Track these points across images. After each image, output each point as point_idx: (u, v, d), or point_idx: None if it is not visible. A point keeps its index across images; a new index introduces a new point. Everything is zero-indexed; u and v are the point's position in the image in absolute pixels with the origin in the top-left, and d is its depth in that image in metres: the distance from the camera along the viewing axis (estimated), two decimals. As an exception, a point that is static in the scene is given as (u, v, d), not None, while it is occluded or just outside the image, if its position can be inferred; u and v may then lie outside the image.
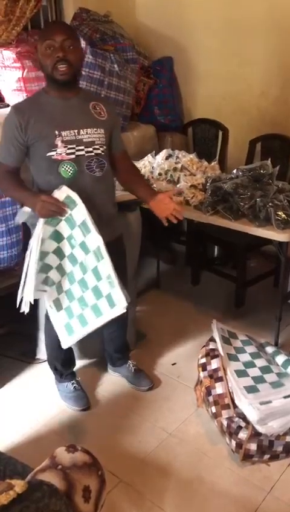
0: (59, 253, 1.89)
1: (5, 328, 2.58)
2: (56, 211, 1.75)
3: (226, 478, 1.88)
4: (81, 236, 1.80)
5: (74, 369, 2.35)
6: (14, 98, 2.77)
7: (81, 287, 1.88)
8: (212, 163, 2.75)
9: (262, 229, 2.24)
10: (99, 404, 2.29)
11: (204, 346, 2.26)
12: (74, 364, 2.33)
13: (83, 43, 2.80)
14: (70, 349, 2.28)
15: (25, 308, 1.87)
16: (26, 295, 1.85)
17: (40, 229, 1.79)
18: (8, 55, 2.65)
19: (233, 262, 3.29)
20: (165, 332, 2.80)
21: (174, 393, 2.33)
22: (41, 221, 1.78)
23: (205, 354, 2.20)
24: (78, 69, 1.88)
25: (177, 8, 3.44)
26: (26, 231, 2.46)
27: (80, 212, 1.76)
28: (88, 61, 2.78)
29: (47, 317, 2.18)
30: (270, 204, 2.23)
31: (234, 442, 1.90)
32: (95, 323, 1.89)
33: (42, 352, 2.51)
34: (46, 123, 1.82)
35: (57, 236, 1.85)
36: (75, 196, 1.76)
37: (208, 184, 2.47)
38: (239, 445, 1.89)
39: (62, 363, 2.27)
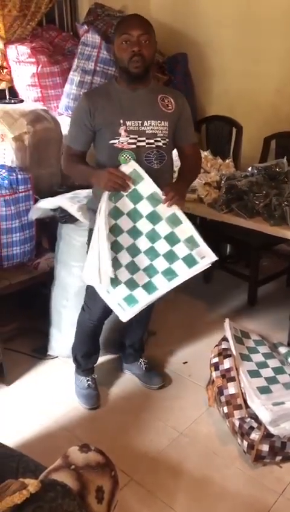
0: (115, 230, 1.88)
1: (17, 324, 2.58)
2: (122, 184, 1.78)
3: (237, 479, 1.87)
4: (150, 208, 1.82)
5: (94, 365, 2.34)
6: (28, 93, 2.77)
7: (148, 256, 1.89)
8: (227, 161, 2.73)
9: (277, 228, 2.21)
10: (110, 401, 2.28)
11: (217, 345, 2.25)
12: (94, 360, 2.32)
13: (97, 39, 2.79)
14: (95, 345, 2.28)
15: (107, 287, 1.89)
16: (104, 272, 1.82)
17: (105, 204, 1.80)
18: (23, 50, 2.65)
19: (246, 260, 3.26)
20: (176, 331, 2.79)
21: (186, 392, 2.32)
22: (105, 196, 1.80)
23: (218, 353, 2.18)
24: (152, 62, 1.89)
25: (191, 3, 3.41)
26: (39, 227, 2.47)
27: (146, 186, 1.79)
28: (103, 57, 2.77)
29: (83, 308, 2.18)
30: (285, 203, 2.20)
31: (245, 443, 1.89)
32: (167, 286, 1.92)
33: (54, 348, 2.52)
34: (113, 111, 1.86)
35: (115, 214, 1.85)
36: (141, 171, 1.79)
37: (222, 182, 2.44)
38: (251, 446, 1.87)
39: (83, 354, 2.27)
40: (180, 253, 1.86)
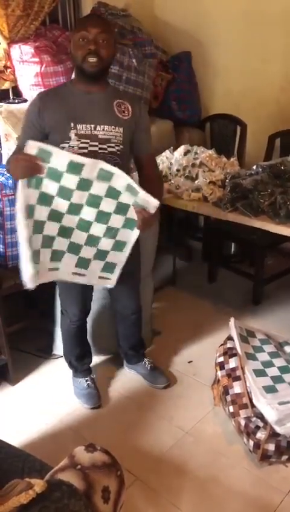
0: (54, 216, 1.77)
1: (22, 323, 2.58)
2: (32, 166, 1.64)
3: (243, 479, 1.86)
4: (75, 178, 1.69)
5: (91, 365, 2.35)
6: (32, 93, 2.77)
7: (102, 222, 1.79)
8: (231, 159, 2.71)
9: (282, 227, 2.20)
10: (115, 401, 2.28)
11: (222, 344, 2.24)
12: (89, 360, 2.33)
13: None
14: (85, 344, 2.29)
15: (30, 285, 1.80)
16: (24, 271, 1.77)
17: (21, 195, 1.66)
18: (27, 50, 2.65)
19: (250, 259, 3.25)
20: (181, 330, 2.78)
21: (191, 392, 2.32)
22: (19, 186, 1.66)
23: (223, 352, 2.17)
24: (108, 64, 1.86)
25: (195, 1, 3.40)
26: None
27: (60, 159, 1.66)
28: (106, 56, 2.76)
29: (62, 312, 2.18)
30: (291, 201, 2.19)
31: (251, 442, 1.88)
32: (133, 234, 1.83)
33: (58, 347, 2.52)
34: (64, 113, 1.82)
35: (45, 200, 1.72)
36: (45, 146, 1.65)
37: (227, 180, 2.43)
38: (257, 445, 1.87)
39: (77, 357, 2.28)
40: (127, 200, 1.75)
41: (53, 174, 1.68)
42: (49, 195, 1.72)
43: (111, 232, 1.83)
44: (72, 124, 1.80)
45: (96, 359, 2.45)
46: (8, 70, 2.71)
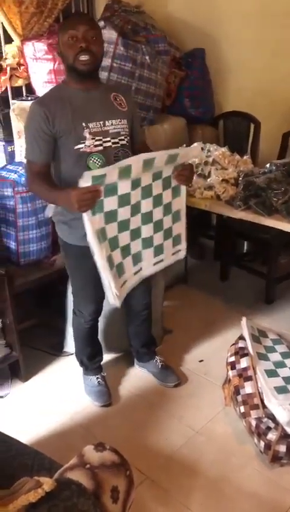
0: (123, 226, 1.83)
1: (33, 320, 2.59)
2: (93, 198, 1.64)
3: (254, 479, 1.85)
4: (127, 182, 1.74)
5: (101, 363, 2.35)
6: (46, 90, 2.76)
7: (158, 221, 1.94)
8: (245, 157, 2.68)
9: (296, 226, 2.17)
10: (126, 399, 2.28)
11: (233, 344, 2.22)
12: (100, 358, 2.33)
13: (114, 34, 2.77)
14: (97, 343, 2.29)
15: (116, 303, 1.84)
16: (113, 292, 1.81)
17: (89, 225, 1.68)
18: (40, 47, 2.64)
19: (263, 258, 3.22)
20: (192, 329, 2.77)
21: (201, 391, 2.30)
22: (85, 218, 1.67)
23: (234, 352, 2.16)
24: (100, 60, 1.85)
25: (209, -3, 3.37)
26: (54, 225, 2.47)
27: (111, 173, 1.66)
28: (119, 53, 2.75)
29: (74, 312, 2.18)
30: (304, 200, 2.16)
31: (262, 443, 1.87)
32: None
33: (70, 345, 2.52)
34: (72, 116, 1.80)
35: (111, 216, 1.76)
36: (98, 171, 1.65)
37: (240, 179, 2.41)
38: (268, 446, 1.85)
39: (88, 356, 2.28)
40: (168, 172, 1.87)
41: (109, 190, 1.70)
42: (113, 211, 1.76)
43: (167, 209, 1.94)
44: (84, 124, 1.80)
45: (106, 357, 2.45)
46: (22, 67, 2.71)
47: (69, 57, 1.77)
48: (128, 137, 1.90)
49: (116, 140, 1.85)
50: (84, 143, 1.80)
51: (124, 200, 1.77)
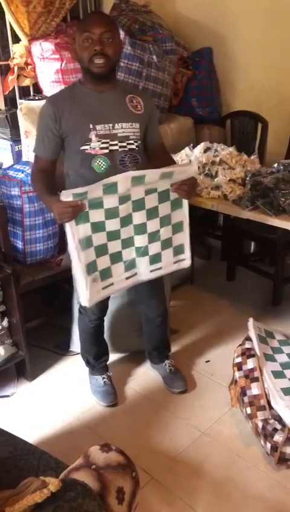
0: (113, 235, 1.83)
1: (40, 320, 2.59)
2: (74, 211, 1.66)
3: (260, 481, 1.84)
4: (114, 197, 1.74)
5: (108, 363, 2.34)
6: (53, 89, 2.77)
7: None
8: (252, 157, 2.67)
9: (303, 226, 2.16)
10: (131, 399, 2.28)
11: (240, 345, 2.21)
12: (106, 358, 2.33)
13: (122, 34, 2.77)
14: (103, 343, 2.28)
15: (86, 303, 1.85)
16: (84, 294, 1.83)
17: (71, 234, 1.72)
18: (47, 46, 2.64)
19: (271, 258, 3.20)
20: (198, 329, 2.76)
21: (208, 392, 2.30)
22: (68, 227, 1.71)
23: (241, 353, 2.14)
24: (116, 62, 1.85)
25: (218, -3, 3.35)
26: (61, 224, 2.47)
27: (93, 190, 1.68)
28: (127, 52, 2.74)
29: (80, 311, 2.18)
30: (312, 200, 2.15)
31: (269, 445, 1.85)
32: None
33: (76, 344, 2.52)
34: (81, 116, 1.80)
35: (98, 227, 1.78)
36: (79, 190, 1.66)
37: (247, 178, 2.40)
38: (274, 448, 1.84)
39: (94, 356, 2.27)
40: (165, 186, 1.85)
41: (94, 204, 1.73)
42: (100, 222, 1.77)
43: (165, 221, 1.92)
44: (91, 126, 1.79)
45: (113, 357, 2.44)
46: (29, 67, 2.72)
47: (84, 59, 1.77)
48: (138, 142, 1.88)
49: (124, 144, 1.84)
50: (89, 145, 1.80)
51: (111, 213, 1.78)
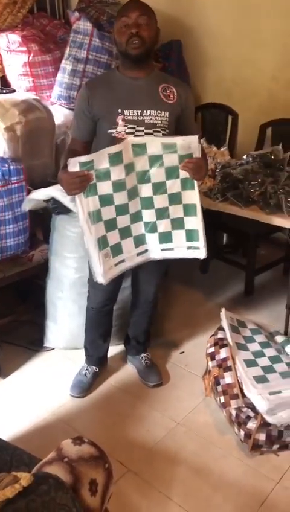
0: (121, 210, 1.85)
1: (12, 316, 2.57)
2: (82, 181, 1.71)
3: (235, 468, 1.87)
4: (120, 168, 1.77)
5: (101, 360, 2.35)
6: (20, 83, 2.74)
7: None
8: (222, 149, 2.69)
9: (273, 216, 2.19)
10: (109, 392, 2.28)
11: (213, 335, 2.24)
12: (100, 350, 2.32)
13: (89, 26, 2.74)
14: (99, 332, 2.27)
15: (101, 280, 1.87)
16: (98, 270, 1.85)
17: (81, 206, 1.76)
18: (14, 38, 2.61)
19: (243, 250, 3.24)
20: (172, 321, 2.78)
21: (182, 382, 2.32)
22: (77, 200, 1.75)
23: (214, 343, 2.17)
24: (152, 47, 1.85)
25: (186, -11, 3.35)
26: (32, 219, 2.45)
27: (99, 159, 1.73)
28: (95, 45, 2.73)
29: (89, 291, 2.18)
30: (281, 191, 2.18)
31: (242, 432, 1.89)
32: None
33: (50, 340, 2.51)
34: (111, 100, 1.84)
35: (106, 199, 1.80)
36: (85, 158, 1.71)
37: (217, 170, 2.42)
38: (248, 435, 1.87)
39: (88, 342, 2.29)
40: (172, 162, 1.84)
41: (101, 175, 1.76)
42: (108, 194, 1.80)
43: (175, 198, 1.90)
44: (119, 110, 1.82)
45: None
46: (-4, 59, 2.68)
47: (122, 43, 1.80)
48: (166, 130, 1.88)
49: (151, 131, 1.85)
50: (115, 128, 1.83)
51: (118, 186, 1.80)
